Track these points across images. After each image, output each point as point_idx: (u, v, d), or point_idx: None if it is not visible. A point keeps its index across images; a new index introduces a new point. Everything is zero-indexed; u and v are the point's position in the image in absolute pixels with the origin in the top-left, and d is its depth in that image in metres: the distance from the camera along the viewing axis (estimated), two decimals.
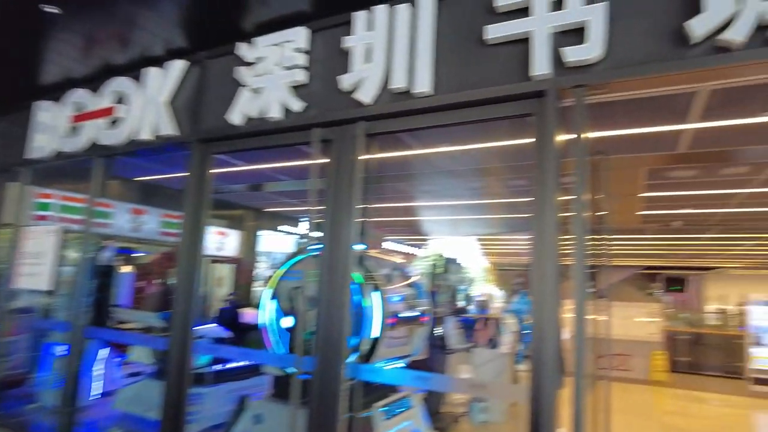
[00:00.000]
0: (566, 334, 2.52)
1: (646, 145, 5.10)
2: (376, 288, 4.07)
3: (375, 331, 3.96)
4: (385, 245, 14.16)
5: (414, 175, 6.41)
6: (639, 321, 10.12)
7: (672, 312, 27.28)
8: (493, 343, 6.35)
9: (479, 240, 16.09)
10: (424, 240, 15.77)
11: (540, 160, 2.58)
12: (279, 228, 10.57)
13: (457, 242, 14.41)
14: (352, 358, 3.70)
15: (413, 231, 13.63)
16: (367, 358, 3.99)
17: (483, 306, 7.76)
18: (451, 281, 10.57)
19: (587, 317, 2.89)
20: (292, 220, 10.96)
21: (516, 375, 5.94)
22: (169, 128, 3.92)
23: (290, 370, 3.04)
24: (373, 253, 5.30)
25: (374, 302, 4.01)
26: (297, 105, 3.35)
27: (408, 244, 15.75)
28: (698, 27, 2.32)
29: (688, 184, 6.84)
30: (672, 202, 8.11)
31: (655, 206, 8.43)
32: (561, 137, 2.62)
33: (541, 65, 2.61)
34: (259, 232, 10.23)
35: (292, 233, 10.88)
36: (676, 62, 2.40)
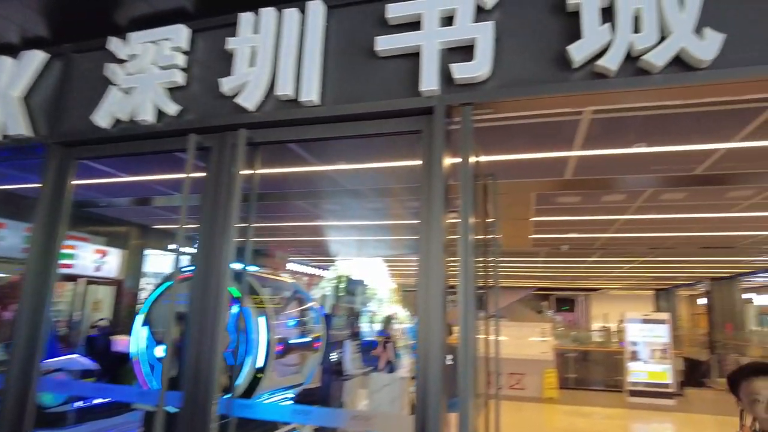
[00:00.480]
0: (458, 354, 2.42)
1: (536, 170, 5.31)
2: (263, 312, 3.77)
3: (259, 360, 3.64)
4: (290, 266, 13.71)
5: (315, 194, 6.20)
6: (532, 340, 10.57)
7: (562, 331, 29.20)
8: (390, 367, 6.22)
9: (385, 261, 16.14)
10: (331, 261, 15.52)
11: (428, 180, 2.50)
12: (169, 247, 9.80)
13: (364, 263, 14.32)
14: (234, 390, 3.36)
15: (319, 252, 13.34)
16: (249, 390, 3.65)
17: (385, 328, 7.64)
18: (355, 303, 10.39)
19: (478, 337, 2.83)
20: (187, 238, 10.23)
21: (413, 399, 5.80)
22: (21, 128, 3.39)
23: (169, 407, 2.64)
24: (263, 273, 4.96)
25: (260, 328, 3.70)
26: (172, 108, 3.02)
27: (314, 266, 15.40)
28: (577, 53, 2.37)
29: (574, 210, 7.28)
30: (560, 227, 8.62)
31: (545, 230, 8.92)
32: (449, 158, 2.56)
33: (429, 81, 2.54)
34: (146, 251, 9.40)
35: (182, 252, 10.14)
36: (559, 85, 2.43)
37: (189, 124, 2.99)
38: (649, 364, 9.78)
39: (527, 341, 10.59)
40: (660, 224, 8.18)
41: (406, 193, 5.76)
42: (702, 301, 25.53)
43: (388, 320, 7.84)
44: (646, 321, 9.95)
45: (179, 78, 3.04)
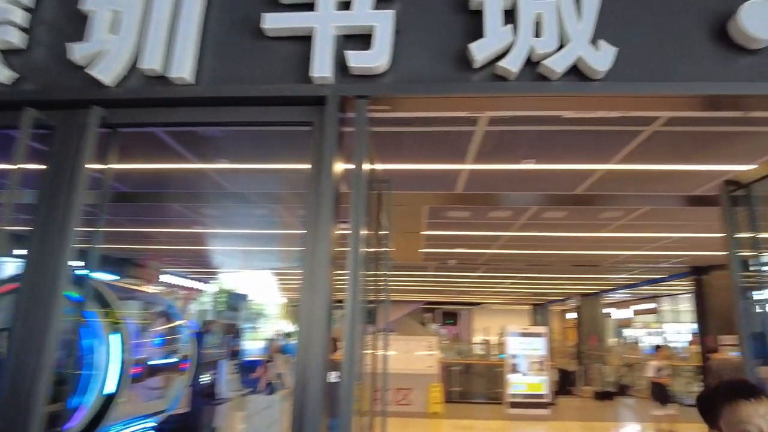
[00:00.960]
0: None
1: (429, 181, 5.26)
2: (117, 329, 3.20)
3: (110, 385, 3.07)
4: (165, 278, 12.53)
5: (193, 196, 5.60)
6: (419, 354, 10.63)
7: (446, 344, 30.16)
8: (271, 388, 5.76)
9: (274, 274, 15.43)
10: (213, 273, 14.49)
11: (316, 184, 2.22)
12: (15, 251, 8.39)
13: (249, 276, 13.54)
14: (76, 422, 2.78)
15: (200, 262, 12.37)
16: (96, 420, 3.06)
17: (268, 346, 7.14)
18: (237, 319, 9.68)
19: (365, 353, 2.59)
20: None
21: None
22: None
23: None
24: (126, 284, 4.32)
25: (112, 347, 3.13)
26: (5, 74, 2.44)
27: (193, 278, 14.27)
28: (479, 51, 2.26)
29: (463, 225, 7.41)
30: (449, 241, 8.78)
31: (435, 244, 9.06)
32: (341, 163, 2.32)
33: (322, 67, 2.28)
34: None
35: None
36: (460, 84, 2.31)
37: (26, 96, 2.43)
38: (528, 376, 10.28)
39: (414, 355, 10.64)
40: (540, 242, 8.64)
41: (297, 200, 5.42)
42: (571, 315, 27.98)
43: (275, 337, 7.34)
44: (525, 334, 10.48)
45: (16, 39, 2.47)
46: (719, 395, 1.66)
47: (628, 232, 7.61)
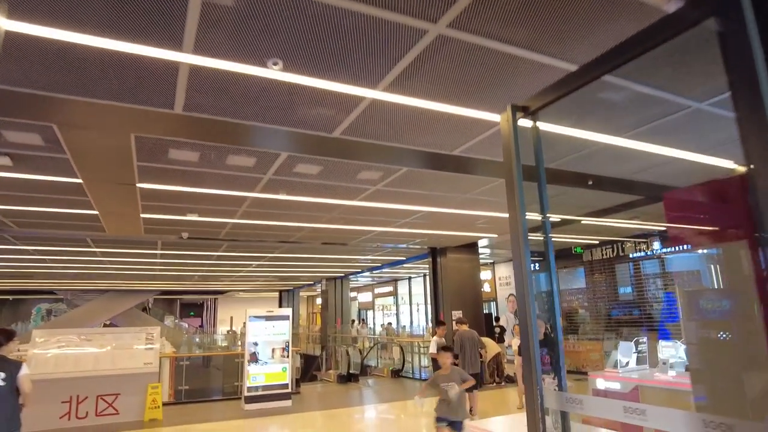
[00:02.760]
0: None
1: (128, 84, 3.47)
2: None
3: None
4: None
5: None
6: (137, 350, 8.38)
7: (186, 337, 27.22)
8: None
9: None
10: None
11: None
12: None
13: None
14: None
15: None
16: None
17: None
18: None
19: None
20: None
21: None
22: None
23: None
24: None
25: None
26: None
27: None
28: None
29: (192, 175, 5.70)
30: (175, 203, 6.90)
31: (158, 207, 7.02)
32: None
33: None
34: None
35: None
36: None
37: None
38: (268, 365, 9.05)
39: (128, 352, 8.34)
40: (289, 209, 7.49)
41: None
42: (319, 300, 28.24)
43: None
44: (269, 318, 9.24)
45: None
46: None
47: (382, 201, 7.06)
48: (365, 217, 8.26)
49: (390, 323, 21.42)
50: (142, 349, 8.46)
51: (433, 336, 8.47)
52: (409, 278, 22.17)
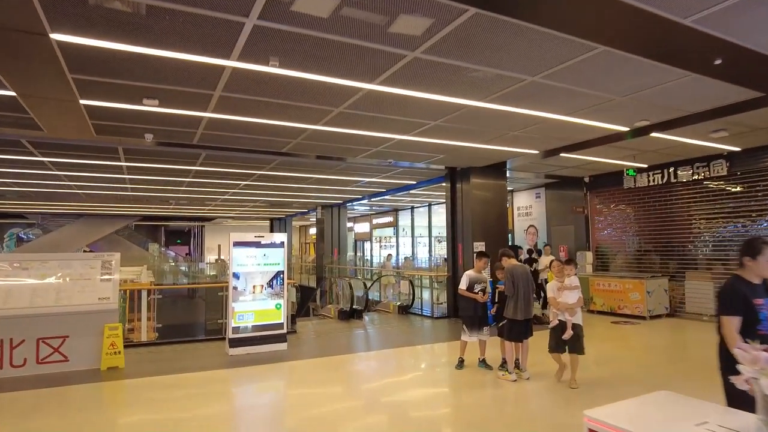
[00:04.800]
0: None
1: None
2: None
3: None
4: None
5: None
6: (89, 283, 6.56)
7: (172, 266, 25.68)
8: None
9: None
10: None
11: None
12: None
13: None
14: None
15: None
16: None
17: None
18: None
19: None
20: None
21: None
22: None
23: None
24: None
25: None
26: None
27: None
28: None
29: (131, 29, 3.63)
30: (120, 78, 4.84)
31: (97, 90, 4.95)
32: None
33: None
34: None
35: None
36: None
37: None
38: (257, 301, 7.33)
39: (79, 284, 6.55)
40: (283, 94, 5.46)
41: None
42: (313, 231, 26.57)
43: None
44: (259, 245, 7.44)
45: None
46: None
47: (415, 84, 5.02)
48: (384, 114, 6.25)
49: (390, 255, 19.85)
50: (96, 281, 6.65)
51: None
52: (412, 208, 20.41)
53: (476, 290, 6.24)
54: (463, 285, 6.28)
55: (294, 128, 6.87)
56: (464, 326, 6.29)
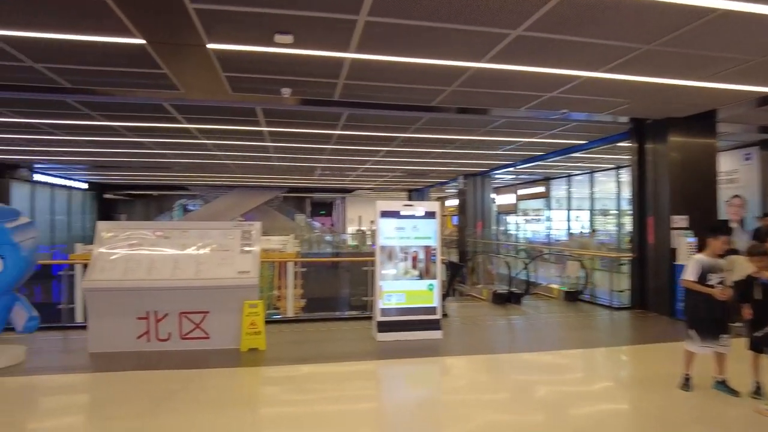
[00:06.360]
0: None
1: None
2: None
3: None
4: None
5: None
6: (228, 255, 6.00)
7: (317, 236, 26.30)
8: None
9: None
10: None
11: None
12: None
13: None
14: None
15: None
16: None
17: None
18: None
19: None
20: None
21: None
22: None
23: None
24: None
25: None
26: None
27: None
28: None
29: None
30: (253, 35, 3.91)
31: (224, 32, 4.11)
32: None
33: None
34: None
35: None
36: None
37: None
38: (407, 280, 6.25)
39: (218, 255, 6.03)
40: (434, 11, 4.11)
41: None
42: (451, 202, 25.28)
43: None
44: (406, 216, 6.33)
45: None
46: None
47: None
48: (578, 36, 4.58)
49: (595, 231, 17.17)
50: (236, 253, 6.07)
51: (699, 251, 4.85)
52: (569, 176, 17.95)
53: (711, 282, 4.40)
54: (691, 275, 4.45)
55: (451, 69, 5.50)
56: (693, 332, 4.47)
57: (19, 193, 16.43)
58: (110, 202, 26.71)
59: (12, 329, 5.37)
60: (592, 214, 17.03)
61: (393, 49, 4.90)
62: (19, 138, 10.76)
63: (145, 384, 4.66)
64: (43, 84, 6.25)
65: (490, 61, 5.21)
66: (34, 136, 10.35)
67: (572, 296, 9.48)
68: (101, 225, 6.14)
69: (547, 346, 6.50)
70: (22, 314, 5.24)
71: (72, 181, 20.60)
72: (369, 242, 23.86)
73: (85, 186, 22.13)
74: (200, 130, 9.54)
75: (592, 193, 16.87)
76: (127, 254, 5.85)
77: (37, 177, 17.31)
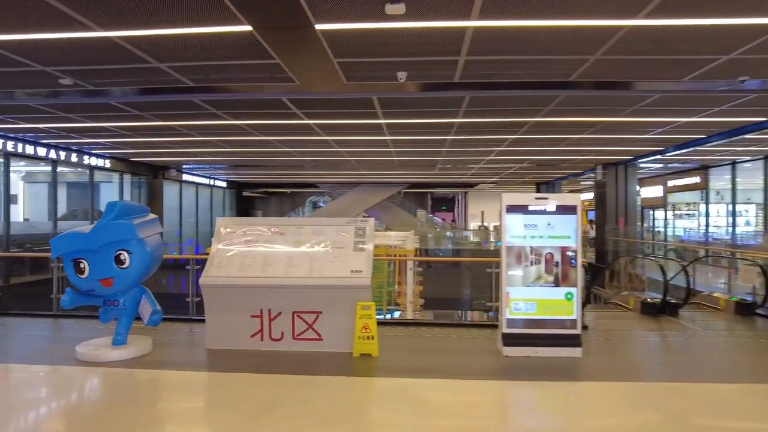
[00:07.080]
0: None
1: None
2: None
3: None
4: None
5: None
6: (341, 253, 5.65)
7: (438, 232, 25.77)
8: None
9: None
10: None
11: None
12: None
13: None
14: None
15: None
16: None
17: None
18: None
19: None
20: None
21: None
22: None
23: None
24: None
25: None
26: None
27: None
28: None
29: None
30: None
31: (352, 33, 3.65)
32: None
33: None
34: None
35: None
36: None
37: None
38: (541, 287, 5.37)
39: (332, 253, 5.71)
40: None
41: None
42: (586, 196, 23.07)
43: None
44: (540, 211, 5.44)
45: None
46: None
47: None
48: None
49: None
50: (349, 251, 5.70)
51: None
52: (733, 163, 15.20)
53: None
54: None
55: (597, 30, 4.53)
56: None
57: (169, 191, 18.22)
58: (248, 199, 28.83)
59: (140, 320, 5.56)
60: (767, 208, 14.19)
61: (523, 10, 4.10)
62: (165, 141, 11.70)
63: (256, 389, 4.44)
64: (171, 84, 6.47)
65: (648, 15, 4.15)
66: (175, 138, 11.14)
67: (747, 308, 7.72)
68: (220, 221, 6.16)
69: (721, 376, 5.15)
70: (147, 308, 5.39)
71: (213, 180, 22.45)
72: (492, 239, 22.74)
73: (224, 184, 24.01)
74: (320, 126, 9.46)
75: (766, 184, 14.04)
76: (243, 251, 5.78)
77: (184, 177, 19.06)
